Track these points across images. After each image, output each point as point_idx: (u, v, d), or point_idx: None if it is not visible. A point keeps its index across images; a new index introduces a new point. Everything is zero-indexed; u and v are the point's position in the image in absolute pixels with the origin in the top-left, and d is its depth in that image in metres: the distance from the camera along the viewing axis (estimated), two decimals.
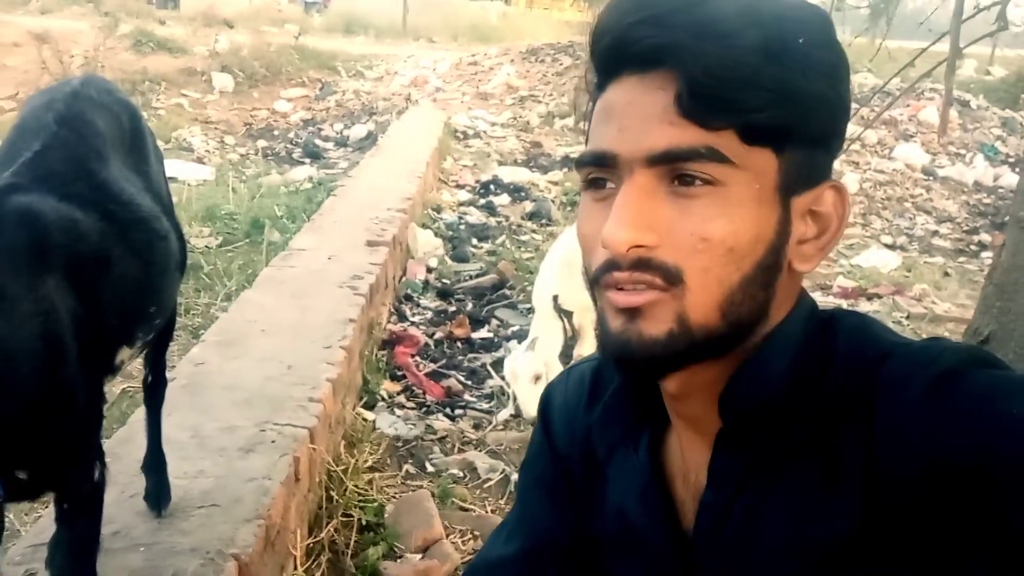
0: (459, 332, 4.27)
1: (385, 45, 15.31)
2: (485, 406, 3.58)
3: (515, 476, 2.88)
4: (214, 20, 14.01)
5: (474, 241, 5.87)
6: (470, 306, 4.68)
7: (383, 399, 3.47)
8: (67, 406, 1.37)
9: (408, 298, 4.68)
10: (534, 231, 6.33)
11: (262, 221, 5.49)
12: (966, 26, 3.56)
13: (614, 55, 0.67)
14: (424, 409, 3.51)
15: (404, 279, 4.86)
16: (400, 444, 3.15)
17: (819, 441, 0.67)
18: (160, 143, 7.78)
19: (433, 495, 2.75)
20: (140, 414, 2.14)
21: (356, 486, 2.64)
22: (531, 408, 3.44)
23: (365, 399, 3.39)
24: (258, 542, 1.93)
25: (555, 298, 3.56)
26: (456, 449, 3.19)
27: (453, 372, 3.86)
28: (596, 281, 0.68)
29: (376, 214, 4.96)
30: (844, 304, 5.33)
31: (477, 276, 5.12)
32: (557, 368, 3.43)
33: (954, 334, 4.74)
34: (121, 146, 1.68)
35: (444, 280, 5.02)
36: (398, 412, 3.40)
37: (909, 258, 6.84)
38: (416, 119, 9.28)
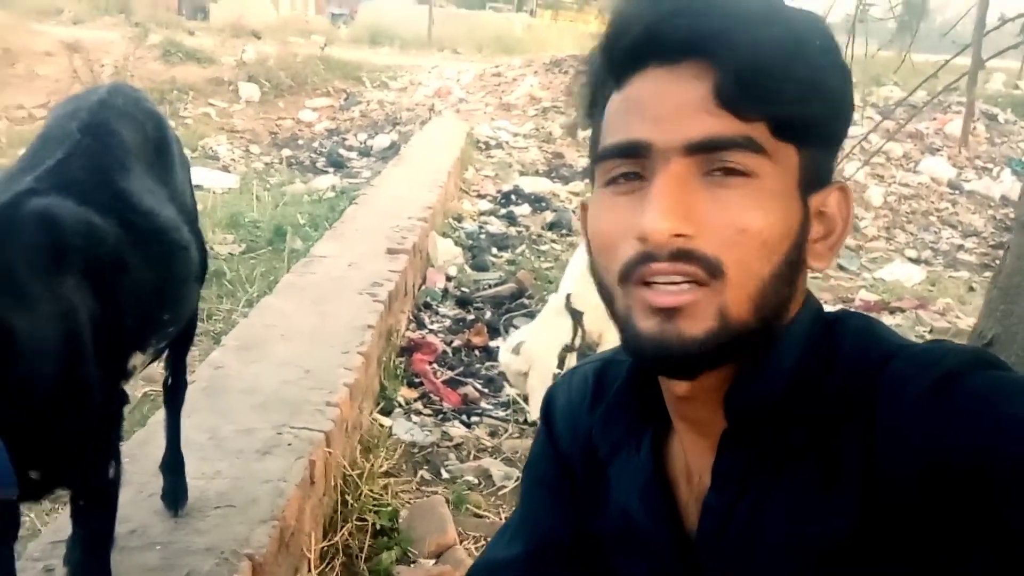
0: (477, 340, 4.28)
1: (410, 56, 15.42)
2: (501, 414, 3.59)
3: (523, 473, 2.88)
4: (242, 31, 14.20)
5: (494, 250, 5.89)
6: (489, 315, 4.69)
7: (400, 405, 3.49)
8: (83, 404, 1.39)
9: (427, 306, 4.70)
10: (554, 241, 6.34)
11: (285, 229, 5.54)
12: (990, 38, 3.53)
13: (643, 47, 0.67)
14: (440, 416, 3.53)
15: (424, 287, 4.89)
16: (416, 450, 3.16)
17: (820, 441, 0.67)
18: (187, 152, 7.86)
19: (448, 501, 2.76)
20: (159, 416, 2.17)
21: (371, 491, 2.65)
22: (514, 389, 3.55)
23: (382, 405, 3.41)
24: (272, 543, 1.95)
25: (568, 296, 3.57)
26: (471, 456, 3.20)
27: (470, 380, 3.87)
28: (626, 277, 0.67)
29: (397, 223, 4.99)
30: None
31: (496, 285, 5.13)
32: (548, 365, 3.44)
33: None
34: (145, 156, 1.69)
35: (463, 289, 5.04)
36: (415, 418, 3.42)
37: (934, 272, 6.78)
38: (439, 129, 9.33)
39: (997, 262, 7.50)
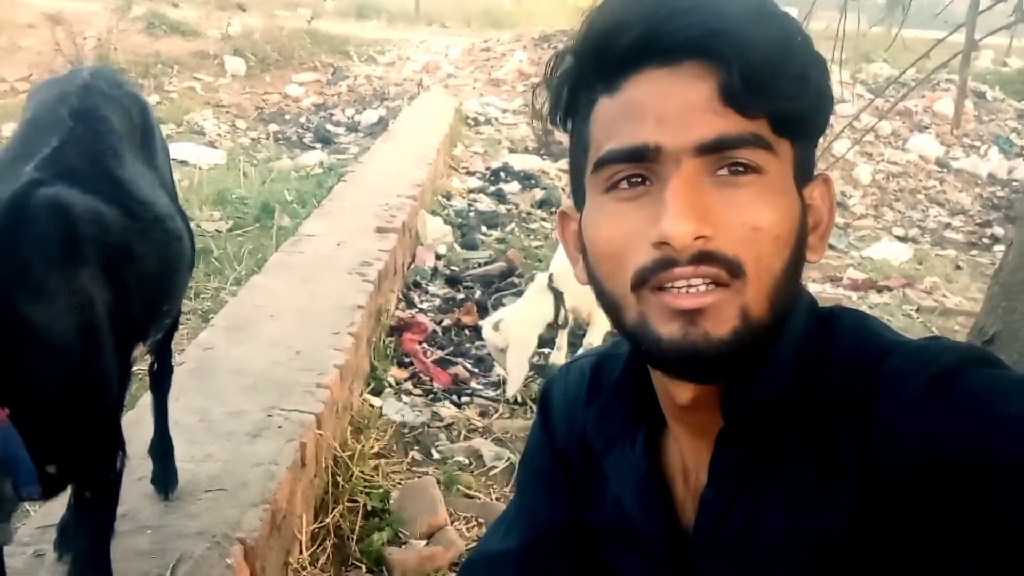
0: (467, 320, 4.27)
1: (397, 30, 15.25)
2: (492, 394, 3.59)
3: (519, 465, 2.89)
4: (227, 3, 13.96)
5: (483, 228, 5.86)
6: (478, 294, 4.68)
7: (390, 385, 3.48)
8: (100, 396, 1.39)
9: (416, 285, 4.68)
10: (544, 219, 6.31)
11: (272, 206, 5.49)
12: (983, 17, 3.52)
13: (642, 48, 0.66)
14: (431, 396, 3.52)
15: (413, 266, 4.87)
16: (406, 431, 3.16)
17: (817, 437, 0.67)
18: (172, 126, 7.69)
19: (438, 482, 2.76)
20: (148, 398, 2.15)
21: (362, 472, 2.65)
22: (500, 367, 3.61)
23: (372, 385, 3.40)
24: (264, 526, 1.95)
25: (551, 276, 3.60)
26: (462, 436, 3.20)
27: (460, 360, 3.87)
28: (640, 284, 0.66)
29: (386, 200, 4.96)
30: (854, 296, 5.31)
31: (486, 264, 5.12)
32: (525, 343, 3.48)
33: (964, 328, 4.72)
34: (133, 142, 1.68)
35: (453, 267, 5.03)
36: (405, 399, 3.42)
37: (921, 250, 6.80)
38: (427, 105, 9.26)
39: (984, 240, 7.53)
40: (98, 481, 1.49)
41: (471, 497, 2.78)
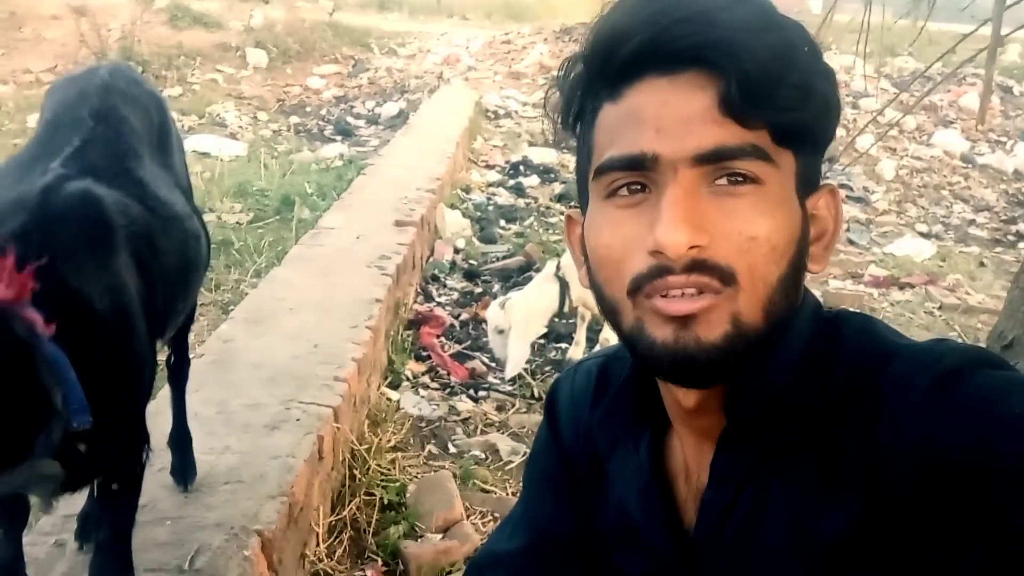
0: (485, 314, 4.27)
1: (419, 22, 15.27)
2: (508, 388, 3.60)
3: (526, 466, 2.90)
4: None
5: (502, 222, 5.86)
6: (496, 288, 4.68)
7: (407, 379, 3.50)
8: (139, 385, 1.41)
9: (435, 278, 4.69)
10: (562, 213, 6.27)
11: (292, 198, 5.52)
12: (1010, 12, 3.47)
13: (644, 56, 0.66)
14: (448, 390, 3.53)
15: (431, 259, 4.87)
16: (423, 424, 3.17)
17: (821, 439, 0.67)
18: (194, 118, 7.74)
19: (455, 476, 2.77)
20: (167, 390, 2.17)
21: (379, 465, 2.66)
22: (498, 353, 3.62)
23: (390, 379, 3.41)
24: (281, 519, 1.96)
25: (558, 264, 3.63)
26: (479, 431, 3.21)
27: (478, 354, 3.87)
28: (636, 290, 0.67)
29: (405, 194, 4.97)
30: (875, 293, 5.26)
31: (504, 258, 5.12)
32: (529, 327, 3.52)
33: (987, 326, 4.66)
34: (150, 141, 1.70)
35: (471, 261, 5.03)
36: (422, 392, 3.43)
37: (944, 247, 6.71)
38: (447, 98, 9.26)
39: (1009, 237, 7.42)
40: (128, 472, 1.51)
41: (487, 492, 2.79)
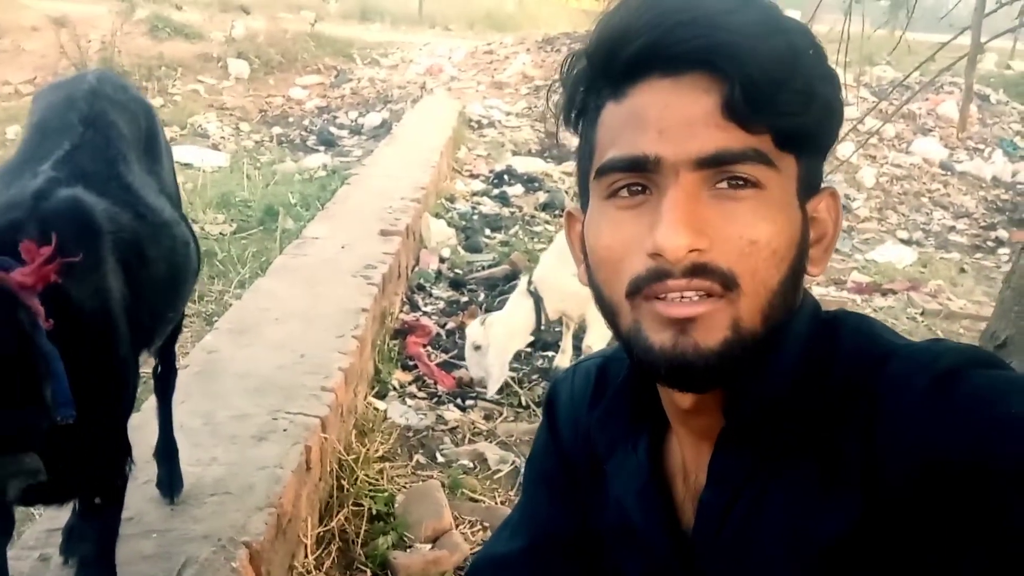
0: (471, 323, 4.27)
1: (401, 33, 15.27)
2: (496, 397, 3.59)
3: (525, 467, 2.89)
4: (230, 6, 13.98)
5: (487, 231, 5.86)
6: (482, 296, 4.68)
7: (394, 389, 3.48)
8: (122, 395, 1.39)
9: (420, 288, 4.68)
10: (547, 222, 6.31)
11: (276, 209, 5.50)
12: (988, 20, 3.52)
13: (648, 57, 0.66)
14: (435, 399, 3.52)
15: (417, 269, 4.87)
16: (411, 434, 3.16)
17: (819, 440, 0.67)
18: (176, 129, 7.72)
19: (443, 485, 2.76)
20: (153, 401, 2.15)
21: (367, 475, 2.65)
22: (473, 371, 3.62)
23: (376, 388, 3.40)
24: (269, 530, 1.94)
25: (529, 280, 3.67)
26: (466, 440, 3.20)
27: (464, 363, 3.86)
28: (635, 292, 0.66)
29: (390, 203, 4.96)
30: (858, 299, 5.30)
31: (490, 267, 5.12)
32: (505, 345, 3.53)
33: (969, 331, 4.71)
34: (138, 147, 1.69)
35: (457, 270, 5.02)
36: (409, 402, 3.41)
37: (925, 254, 6.79)
38: (431, 108, 9.27)
39: (988, 243, 7.51)
40: (110, 486, 1.49)
41: (476, 501, 2.78)
